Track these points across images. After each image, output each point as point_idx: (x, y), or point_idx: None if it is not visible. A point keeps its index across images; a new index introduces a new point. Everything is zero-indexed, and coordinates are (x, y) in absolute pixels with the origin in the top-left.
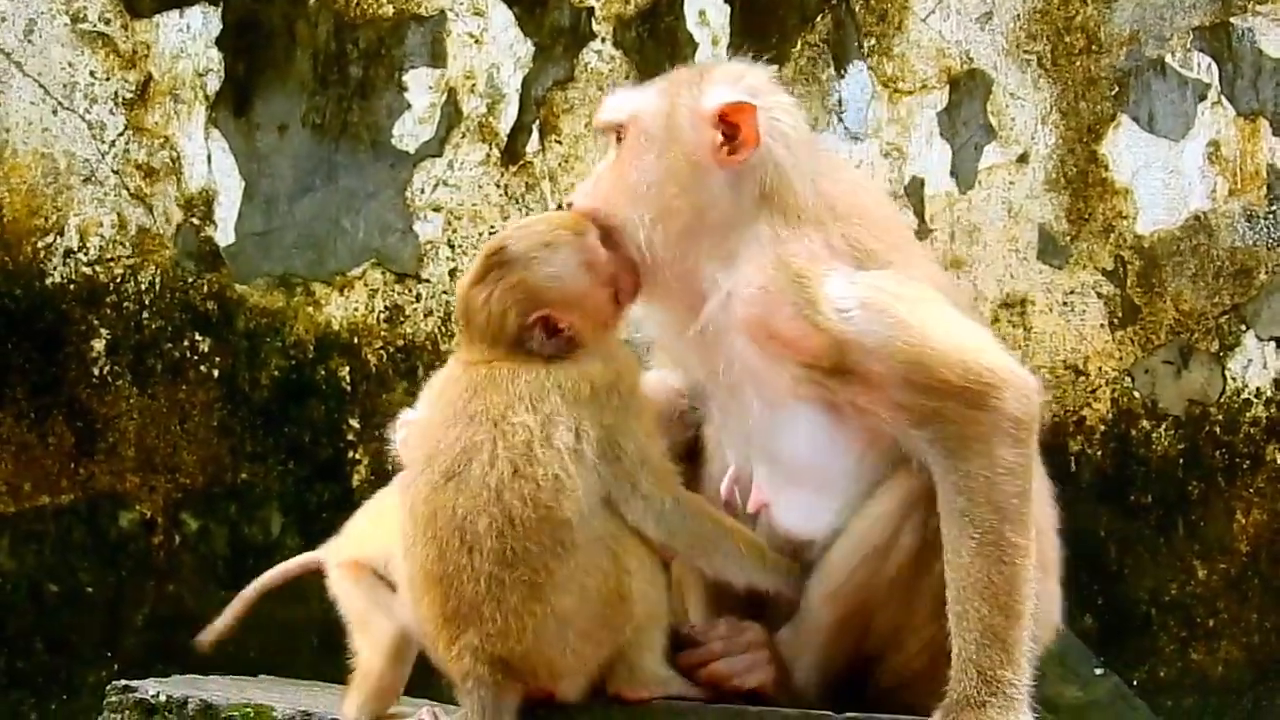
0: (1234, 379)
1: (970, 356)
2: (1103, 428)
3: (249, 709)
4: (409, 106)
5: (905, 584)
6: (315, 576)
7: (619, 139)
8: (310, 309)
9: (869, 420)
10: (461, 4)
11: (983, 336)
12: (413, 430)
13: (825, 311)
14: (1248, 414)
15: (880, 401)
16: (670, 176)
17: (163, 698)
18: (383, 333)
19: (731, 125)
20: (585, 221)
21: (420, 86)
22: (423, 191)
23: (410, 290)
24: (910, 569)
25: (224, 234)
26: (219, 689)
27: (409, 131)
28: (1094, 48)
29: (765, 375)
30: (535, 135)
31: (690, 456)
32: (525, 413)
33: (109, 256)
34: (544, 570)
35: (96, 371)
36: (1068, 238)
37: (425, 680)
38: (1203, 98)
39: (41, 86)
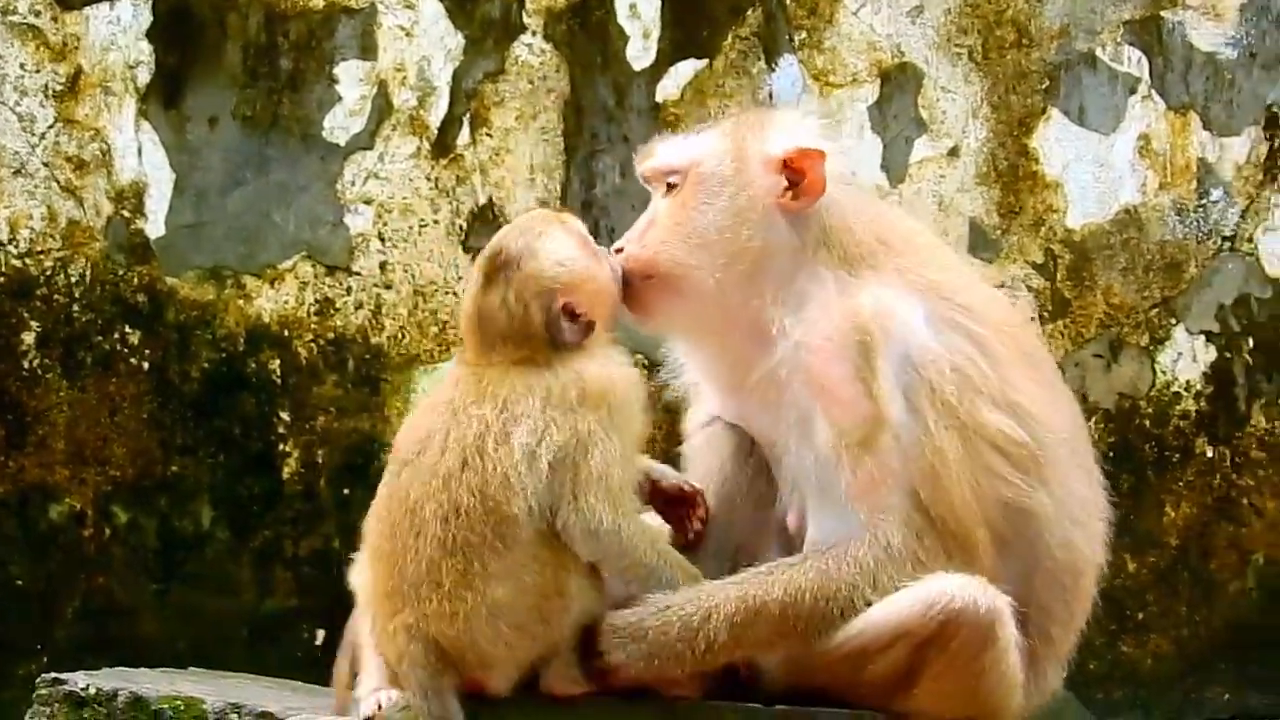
0: (1164, 372)
1: (974, 511)
2: None
3: (179, 701)
4: (339, 99)
5: (886, 687)
6: (244, 567)
7: (671, 187)
8: (241, 302)
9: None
10: None
11: (999, 493)
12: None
13: (880, 382)
14: (1177, 407)
15: (880, 489)
16: (742, 220)
17: (93, 690)
18: (313, 325)
19: (796, 171)
20: (565, 212)
21: (351, 79)
22: (353, 184)
23: (341, 283)
24: (890, 681)
25: (154, 227)
26: (149, 681)
27: (339, 124)
28: (1024, 41)
29: (815, 426)
30: (466, 128)
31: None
32: (488, 407)
33: (39, 249)
34: (479, 561)
35: (26, 364)
36: (998, 231)
37: None
38: (1133, 91)
39: None
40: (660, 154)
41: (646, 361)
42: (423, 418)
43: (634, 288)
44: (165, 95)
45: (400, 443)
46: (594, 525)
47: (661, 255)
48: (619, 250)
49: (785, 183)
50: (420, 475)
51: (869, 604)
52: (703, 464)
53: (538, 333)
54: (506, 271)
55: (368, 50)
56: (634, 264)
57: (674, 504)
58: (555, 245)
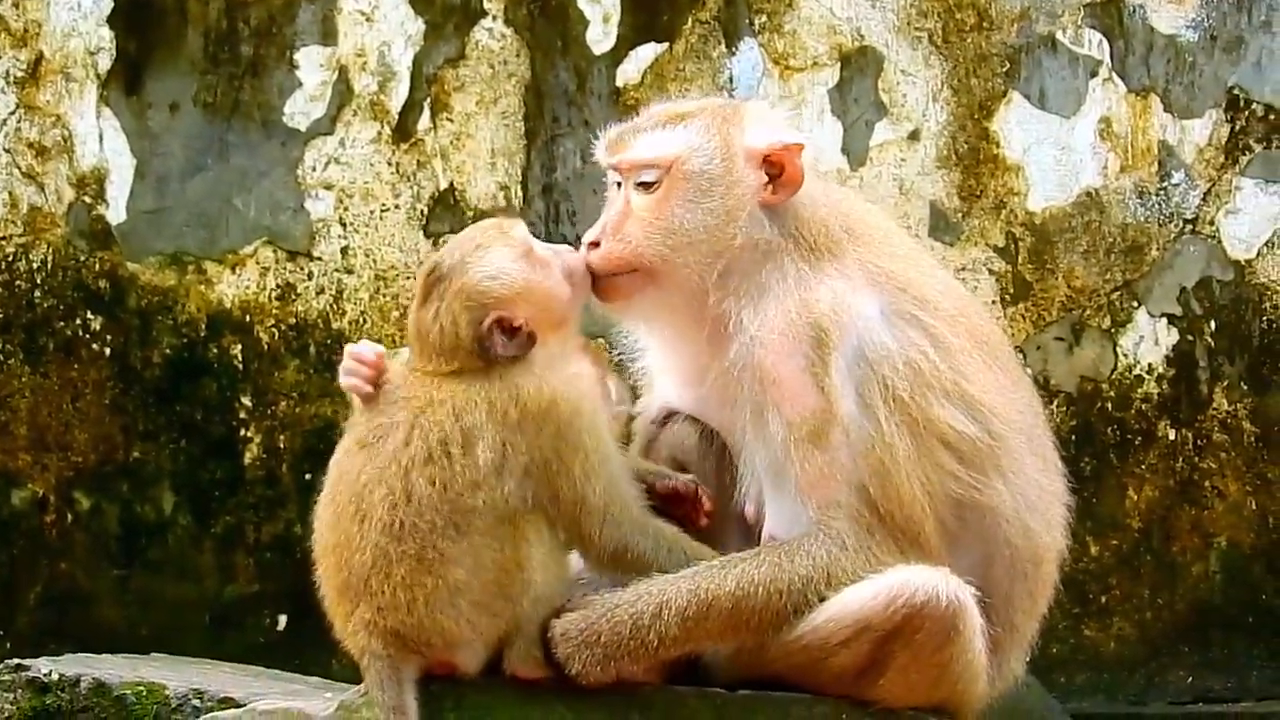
0: (1126, 355)
1: (923, 507)
2: None
3: (141, 687)
4: (300, 84)
5: (847, 678)
6: (206, 553)
7: (648, 182)
8: (202, 287)
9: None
10: None
11: (949, 489)
12: None
13: (832, 377)
14: (1140, 390)
15: (829, 483)
16: (731, 219)
17: (55, 676)
18: (275, 311)
19: (775, 165)
20: (513, 219)
21: (311, 64)
22: (314, 169)
23: (302, 268)
24: (851, 674)
25: (116, 212)
26: (112, 667)
27: (300, 109)
28: (985, 24)
29: (767, 419)
30: (426, 113)
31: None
32: (446, 416)
33: (0, 235)
34: (433, 549)
35: None
36: (959, 214)
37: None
38: (1094, 74)
39: None
40: (638, 147)
41: (608, 347)
42: (378, 410)
43: (612, 279)
44: (126, 81)
45: (351, 428)
46: (599, 553)
47: (646, 251)
48: (594, 244)
49: (766, 178)
50: (376, 459)
51: (822, 598)
52: (663, 452)
53: (469, 348)
54: (440, 287)
55: (328, 36)
56: (615, 259)
57: (673, 502)
58: (491, 259)
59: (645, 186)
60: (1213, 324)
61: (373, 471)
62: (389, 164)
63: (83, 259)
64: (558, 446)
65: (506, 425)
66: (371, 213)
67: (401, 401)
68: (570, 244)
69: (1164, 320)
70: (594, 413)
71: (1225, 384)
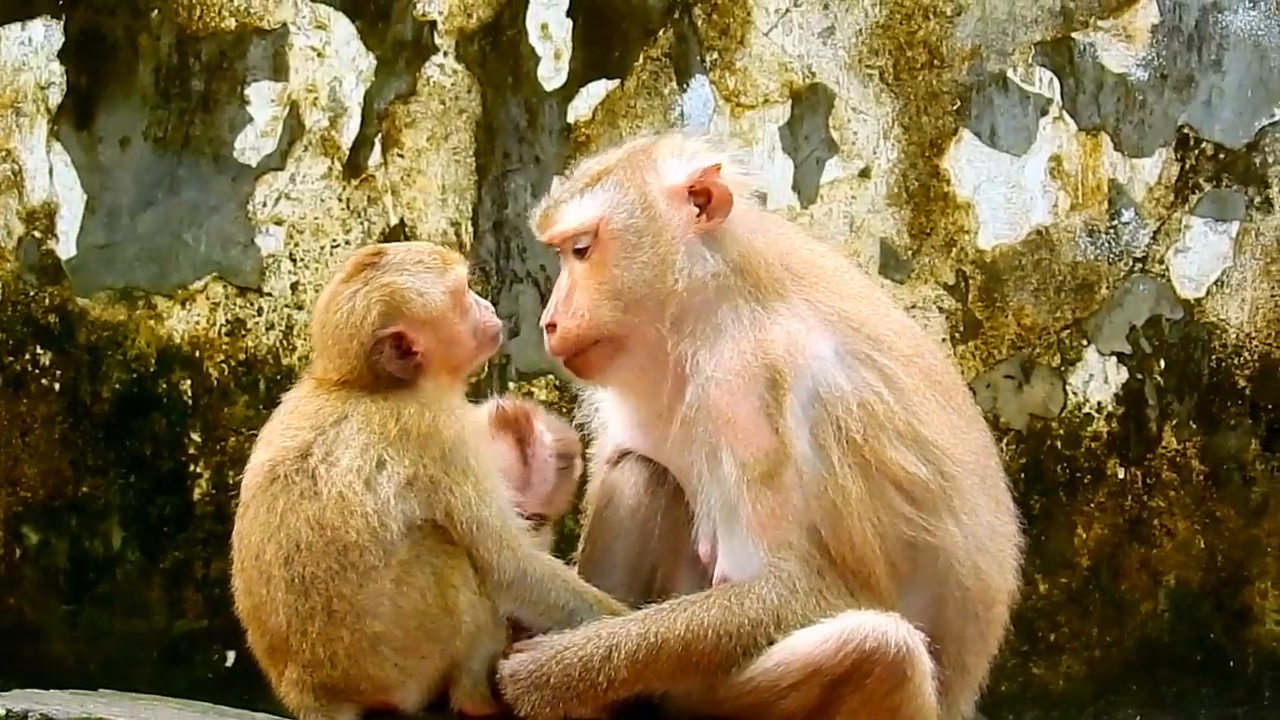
0: (1075, 394)
1: (874, 549)
2: None
3: None
4: (251, 120)
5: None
6: (154, 588)
7: (581, 250)
8: (152, 322)
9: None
10: (304, 17)
11: (900, 531)
12: None
13: (786, 418)
14: (1089, 429)
15: (781, 524)
16: (668, 265)
17: (3, 712)
18: (224, 346)
19: (701, 193)
20: (460, 262)
21: (262, 100)
22: (265, 205)
23: (252, 304)
24: (801, 717)
25: (66, 247)
26: (59, 703)
27: (251, 145)
28: (936, 62)
29: (721, 459)
30: (377, 149)
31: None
32: (314, 435)
33: None
34: (340, 598)
35: None
36: (909, 252)
37: None
38: (1044, 112)
39: None
40: (562, 219)
41: (557, 383)
42: (259, 451)
43: (581, 356)
44: (77, 116)
45: (243, 485)
46: (499, 578)
47: (598, 320)
48: (551, 325)
49: (696, 209)
50: (260, 516)
51: (772, 641)
52: (617, 490)
53: (358, 349)
54: (370, 273)
55: (279, 71)
56: (574, 337)
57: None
58: (425, 279)
59: (580, 254)
60: (1162, 363)
61: (260, 529)
62: (340, 200)
63: (32, 294)
64: (445, 468)
65: (385, 439)
66: (322, 248)
67: (273, 436)
68: (520, 280)
69: (1113, 359)
70: (477, 445)
71: (1174, 422)
